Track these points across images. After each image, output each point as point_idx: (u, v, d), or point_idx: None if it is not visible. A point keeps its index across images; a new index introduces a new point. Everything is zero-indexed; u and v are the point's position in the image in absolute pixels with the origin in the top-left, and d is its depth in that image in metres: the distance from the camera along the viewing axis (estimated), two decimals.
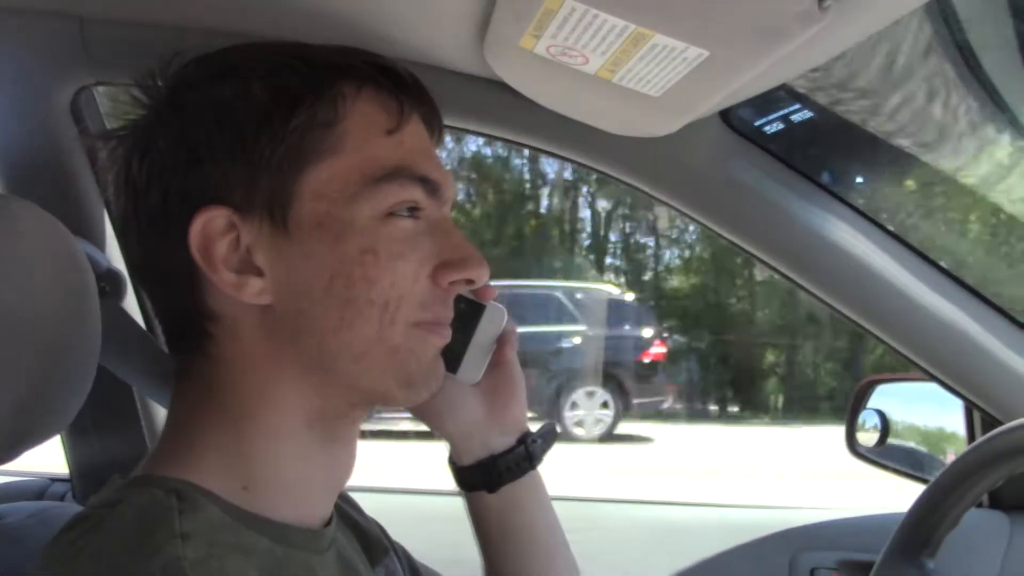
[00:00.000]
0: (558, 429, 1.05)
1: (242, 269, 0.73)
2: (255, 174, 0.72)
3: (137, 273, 0.82)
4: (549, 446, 1.01)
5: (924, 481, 1.23)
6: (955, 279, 1.34)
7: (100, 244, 1.27)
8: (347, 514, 0.95)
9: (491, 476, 0.97)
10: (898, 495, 1.42)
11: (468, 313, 0.91)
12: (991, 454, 1.04)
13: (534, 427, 1.02)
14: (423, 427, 0.98)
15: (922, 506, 1.11)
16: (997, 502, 1.53)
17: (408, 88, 0.80)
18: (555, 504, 1.14)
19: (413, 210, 0.77)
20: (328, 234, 0.73)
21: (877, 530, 1.25)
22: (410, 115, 0.79)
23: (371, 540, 0.96)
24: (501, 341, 0.97)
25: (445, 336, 0.81)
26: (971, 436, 1.53)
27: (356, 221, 0.74)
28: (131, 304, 1.27)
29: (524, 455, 0.98)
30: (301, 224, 0.73)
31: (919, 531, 1.11)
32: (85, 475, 1.47)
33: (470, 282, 0.81)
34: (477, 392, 0.98)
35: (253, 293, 0.73)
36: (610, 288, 11.56)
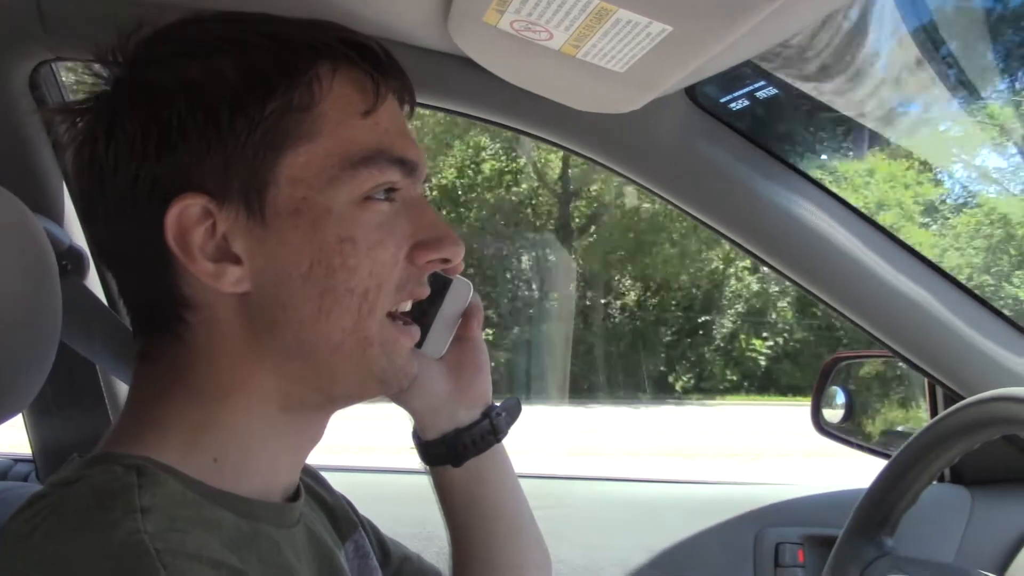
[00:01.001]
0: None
1: (219, 257, 0.72)
2: (230, 160, 0.70)
3: (103, 257, 0.79)
4: (514, 419, 1.02)
5: (888, 456, 1.24)
6: (916, 255, 1.36)
7: (60, 221, 1.26)
8: (314, 491, 0.95)
9: (456, 450, 0.97)
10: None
11: (434, 287, 0.91)
12: (950, 429, 1.05)
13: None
14: None
15: (883, 481, 1.13)
16: (958, 477, 1.55)
17: (383, 66, 0.79)
18: (522, 482, 1.14)
19: (389, 191, 0.76)
20: (305, 221, 0.72)
21: (841, 505, 1.27)
22: (385, 94, 0.78)
23: (339, 516, 0.96)
24: (466, 315, 0.97)
25: (414, 336, 0.81)
26: (933, 412, 1.55)
27: (333, 207, 0.73)
28: (93, 281, 1.26)
29: (489, 428, 0.98)
30: (278, 211, 0.72)
31: (880, 506, 1.12)
32: (49, 455, 1.46)
33: (446, 261, 0.81)
34: (442, 366, 0.98)
35: (231, 282, 0.72)
36: None
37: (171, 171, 0.70)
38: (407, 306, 0.80)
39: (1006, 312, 1.39)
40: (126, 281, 0.78)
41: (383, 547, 1.03)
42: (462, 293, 0.95)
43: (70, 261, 1.13)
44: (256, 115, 0.71)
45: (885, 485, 1.13)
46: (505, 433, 1.00)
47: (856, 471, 1.49)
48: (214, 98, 0.71)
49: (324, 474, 1.03)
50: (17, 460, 1.53)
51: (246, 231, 0.72)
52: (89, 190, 0.75)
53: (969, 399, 1.03)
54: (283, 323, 0.73)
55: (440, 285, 0.93)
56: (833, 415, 1.76)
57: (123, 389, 1.40)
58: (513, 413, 1.02)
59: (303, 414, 0.78)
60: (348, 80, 0.76)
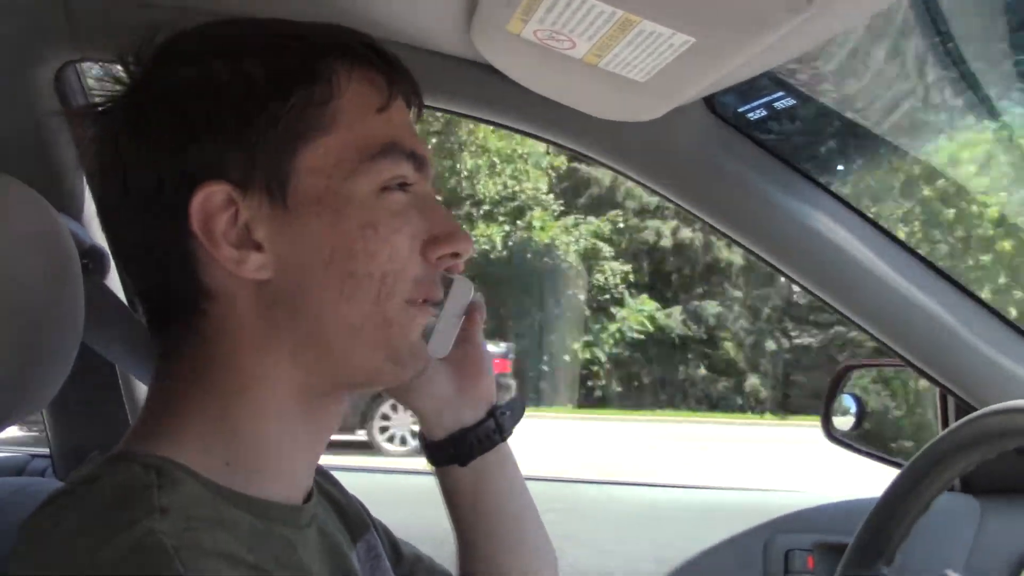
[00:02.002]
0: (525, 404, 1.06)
1: (242, 244, 0.73)
2: (253, 152, 0.72)
3: (123, 254, 0.80)
4: (518, 418, 1.02)
5: (898, 466, 1.24)
6: (931, 267, 1.36)
7: (81, 220, 1.27)
8: (327, 491, 0.96)
9: (462, 449, 0.98)
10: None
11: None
12: (964, 440, 1.06)
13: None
14: None
15: (894, 492, 1.13)
16: (968, 486, 1.55)
17: (394, 67, 0.81)
18: (533, 484, 1.15)
19: (403, 185, 0.78)
20: (328, 209, 0.74)
21: (852, 513, 1.27)
22: (396, 94, 0.80)
23: (351, 517, 0.96)
24: (468, 314, 0.98)
25: (426, 314, 0.83)
26: (944, 422, 1.55)
27: (354, 196, 0.75)
28: (114, 281, 1.27)
29: (494, 427, 0.99)
30: (300, 200, 0.73)
31: (892, 516, 1.12)
32: (66, 451, 1.47)
33: (456, 255, 0.82)
34: (446, 366, 0.98)
35: (253, 268, 0.73)
36: None
37: (196, 163, 0.72)
38: (420, 301, 0.81)
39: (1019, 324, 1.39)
40: (146, 276, 0.78)
41: (396, 548, 1.04)
42: (464, 292, 0.95)
43: (91, 260, 1.13)
44: (279, 109, 0.73)
45: (896, 495, 1.13)
46: (510, 432, 1.01)
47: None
48: (239, 94, 0.73)
49: (338, 474, 1.03)
50: (34, 456, 1.54)
51: (268, 219, 0.73)
52: (111, 186, 0.76)
53: (982, 411, 1.03)
54: (303, 309, 0.74)
55: (443, 284, 0.94)
56: (843, 423, 1.76)
57: (142, 389, 1.41)
58: (517, 412, 1.02)
59: (316, 405, 0.79)
60: (364, 79, 0.78)
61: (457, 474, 0.99)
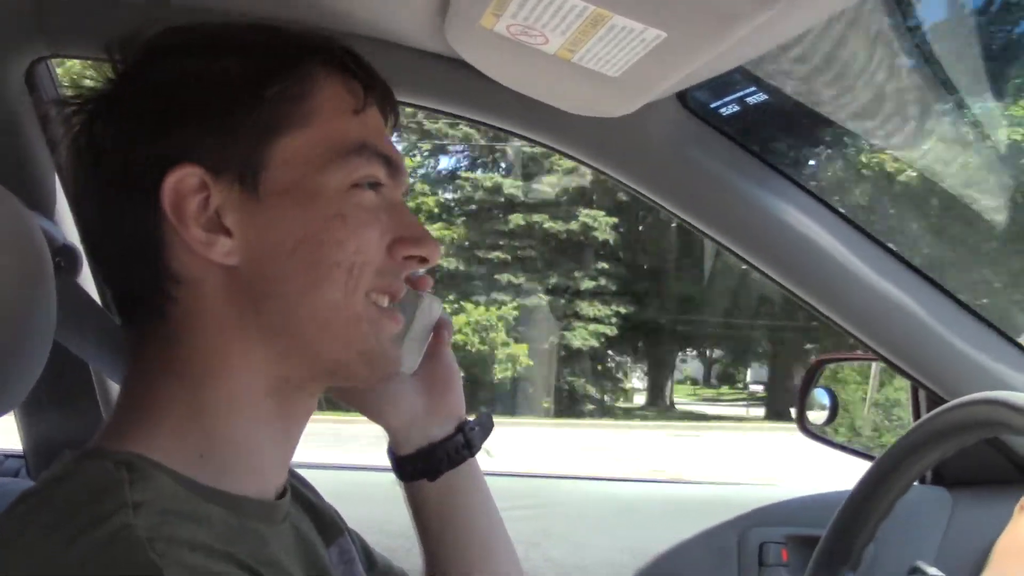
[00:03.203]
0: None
1: (211, 229, 0.74)
2: (227, 140, 0.74)
3: (93, 241, 0.80)
4: (487, 434, 1.03)
5: (871, 458, 1.26)
6: (902, 260, 1.38)
7: (53, 218, 1.26)
8: (301, 494, 0.96)
9: (431, 464, 0.98)
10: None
11: (404, 304, 0.92)
12: (934, 432, 1.07)
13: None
14: None
15: (867, 482, 1.14)
16: (939, 478, 1.57)
17: (370, 75, 0.83)
18: (509, 480, 1.15)
19: (375, 186, 0.79)
20: (298, 200, 0.75)
21: (824, 506, 1.28)
22: (371, 101, 0.82)
23: (325, 520, 0.96)
24: (436, 331, 0.98)
25: (398, 321, 0.83)
26: (916, 414, 1.57)
27: (325, 189, 0.76)
28: (87, 280, 1.26)
29: (463, 443, 0.99)
30: (272, 189, 0.74)
31: (864, 506, 1.14)
32: (39, 451, 1.45)
33: (423, 260, 0.83)
34: (415, 382, 0.99)
35: (222, 252, 0.73)
36: None
37: (170, 147, 0.73)
38: (384, 301, 0.81)
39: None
40: (115, 261, 0.79)
41: (369, 556, 1.04)
42: (432, 309, 0.96)
43: (64, 258, 1.12)
44: (255, 101, 0.74)
45: (868, 487, 1.14)
46: (479, 447, 1.01)
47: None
48: (217, 85, 0.75)
49: (312, 472, 1.04)
50: (8, 456, 1.53)
51: (239, 206, 0.74)
52: (83, 172, 0.77)
53: (952, 402, 1.04)
54: (271, 297, 0.75)
55: (410, 301, 0.94)
56: (817, 417, 1.77)
57: (114, 387, 1.40)
58: (486, 428, 1.03)
59: (286, 397, 0.79)
60: (340, 82, 0.79)
61: (426, 489, 0.99)
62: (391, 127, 0.87)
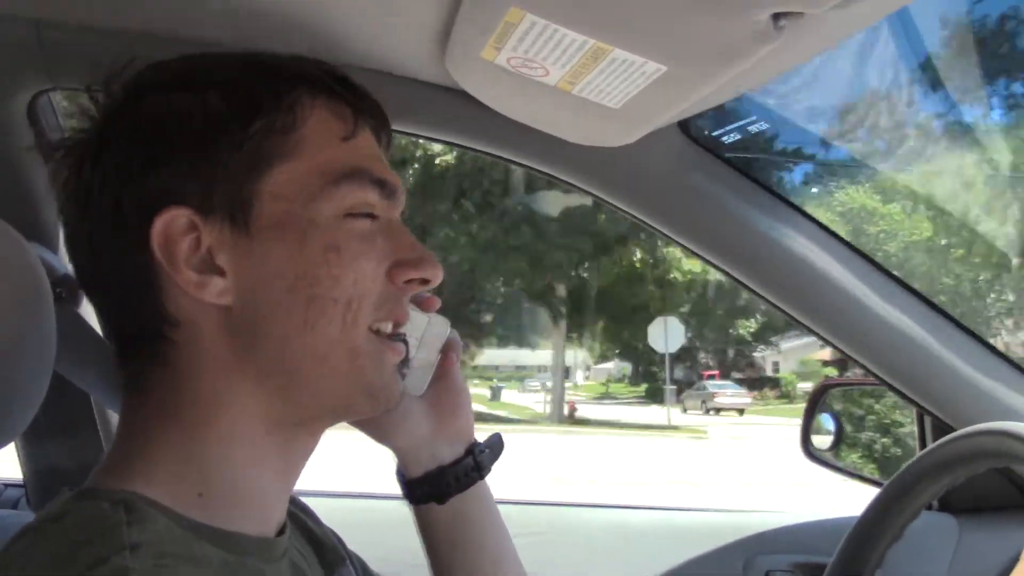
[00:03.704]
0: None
1: (203, 269, 0.73)
2: (214, 178, 0.73)
3: (87, 283, 0.79)
4: (497, 456, 1.02)
5: (877, 484, 1.25)
6: (908, 288, 1.37)
7: (55, 249, 1.26)
8: (301, 522, 0.95)
9: (440, 487, 0.97)
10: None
11: (411, 325, 0.91)
12: (942, 460, 1.06)
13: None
14: None
15: (873, 511, 1.13)
16: (946, 505, 1.56)
17: (360, 98, 0.82)
18: (510, 508, 1.13)
19: (370, 215, 0.78)
20: (291, 233, 0.74)
21: (831, 533, 1.27)
22: (363, 125, 0.81)
23: (326, 549, 0.96)
24: (444, 352, 0.98)
25: (399, 352, 0.82)
26: (922, 442, 1.56)
27: (317, 220, 0.74)
28: (87, 310, 1.26)
29: (472, 465, 0.98)
30: (263, 225, 0.73)
31: (871, 534, 1.13)
32: (40, 481, 1.45)
33: (425, 282, 0.82)
34: (423, 404, 0.98)
35: (215, 293, 0.72)
36: None
37: (157, 189, 0.72)
38: (388, 327, 0.81)
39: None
40: (110, 305, 0.78)
41: None
42: (440, 330, 0.95)
43: (64, 289, 1.13)
44: (240, 135, 0.73)
45: (874, 515, 1.13)
46: (488, 469, 1.00)
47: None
48: (201, 122, 0.73)
49: (314, 500, 1.03)
50: (8, 485, 1.52)
51: (231, 244, 0.73)
52: (74, 215, 0.76)
53: (960, 432, 1.04)
54: (267, 336, 0.74)
55: (417, 323, 0.94)
56: (822, 441, 1.76)
57: (116, 417, 1.39)
58: (496, 450, 1.02)
59: (287, 435, 0.78)
60: (328, 109, 0.78)
61: (435, 512, 0.98)
62: (385, 148, 0.86)
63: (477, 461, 0.99)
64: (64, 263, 1.21)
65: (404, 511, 1.01)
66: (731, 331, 34.01)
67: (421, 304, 0.93)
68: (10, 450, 1.40)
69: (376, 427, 0.96)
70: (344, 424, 0.85)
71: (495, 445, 1.02)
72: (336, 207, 0.75)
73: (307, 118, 0.76)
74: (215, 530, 0.71)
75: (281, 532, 0.81)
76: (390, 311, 0.80)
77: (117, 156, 0.74)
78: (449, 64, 1.03)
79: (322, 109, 0.78)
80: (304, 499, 1.00)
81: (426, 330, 0.93)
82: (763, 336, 34.46)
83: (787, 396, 33.81)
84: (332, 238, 0.75)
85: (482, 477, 0.99)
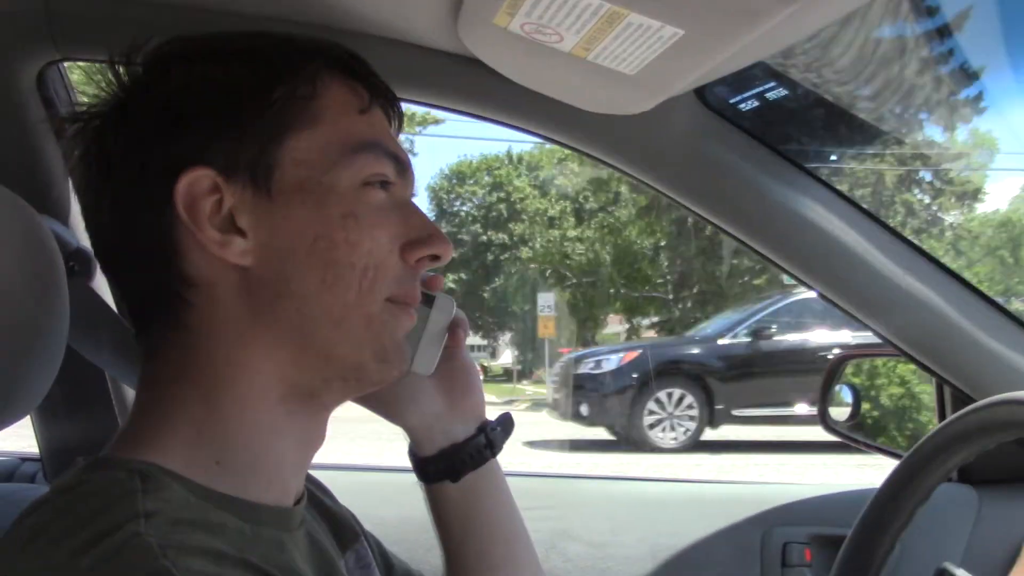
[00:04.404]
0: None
1: (225, 229, 0.74)
2: (237, 142, 0.75)
3: (107, 246, 0.80)
4: (508, 434, 1.02)
5: (896, 456, 1.24)
6: (926, 256, 1.36)
7: (67, 222, 1.26)
8: (317, 499, 0.96)
9: (453, 465, 0.97)
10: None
11: (419, 304, 0.91)
12: (963, 431, 1.05)
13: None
14: None
15: (893, 482, 1.12)
16: (966, 476, 1.55)
17: (373, 77, 0.84)
18: (528, 480, 1.13)
19: (385, 184, 0.80)
20: (310, 198, 0.76)
21: (849, 505, 1.27)
22: (376, 103, 0.83)
23: (341, 525, 0.96)
24: (452, 330, 0.97)
25: (412, 318, 0.83)
26: (942, 412, 1.54)
27: (336, 187, 0.76)
28: (101, 284, 1.26)
29: (485, 443, 0.99)
30: (283, 188, 0.75)
31: (891, 506, 1.12)
32: (56, 456, 1.46)
33: (435, 258, 0.83)
34: (434, 383, 0.98)
35: (236, 253, 0.74)
36: None
37: (182, 151, 0.74)
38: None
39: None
40: (128, 268, 0.79)
41: (386, 560, 1.03)
42: (446, 309, 0.95)
43: (77, 263, 1.12)
44: (263, 102, 0.76)
45: (894, 487, 1.12)
46: (500, 447, 1.00)
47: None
48: (225, 89, 0.76)
49: (329, 473, 1.03)
50: (24, 459, 1.53)
51: (252, 206, 0.75)
52: (94, 183, 0.78)
53: (981, 402, 1.03)
54: (285, 297, 0.75)
55: (425, 302, 0.93)
56: (840, 413, 1.75)
57: (130, 392, 1.40)
58: (507, 428, 1.02)
59: (301, 404, 0.79)
60: (345, 85, 0.81)
61: (448, 491, 0.98)
62: (396, 129, 0.88)
63: (490, 439, 0.99)
64: (77, 237, 1.21)
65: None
66: None
67: (427, 283, 0.93)
68: (27, 425, 1.42)
69: (388, 406, 0.97)
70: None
71: (506, 423, 1.02)
72: (354, 176, 0.77)
73: (326, 89, 0.79)
74: (232, 499, 0.72)
75: (298, 503, 0.81)
76: (406, 292, 0.81)
77: (142, 124, 0.76)
78: (461, 31, 1.02)
79: (339, 83, 0.80)
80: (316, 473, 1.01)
81: (433, 310, 0.93)
82: None
83: None
84: (350, 205, 0.77)
85: (495, 455, 1.00)
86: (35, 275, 0.81)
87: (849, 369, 1.76)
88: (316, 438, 0.83)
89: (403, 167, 0.82)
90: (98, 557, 0.60)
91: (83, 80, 1.25)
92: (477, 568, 0.99)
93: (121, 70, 0.79)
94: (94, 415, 1.41)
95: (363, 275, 0.76)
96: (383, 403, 0.97)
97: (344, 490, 1.03)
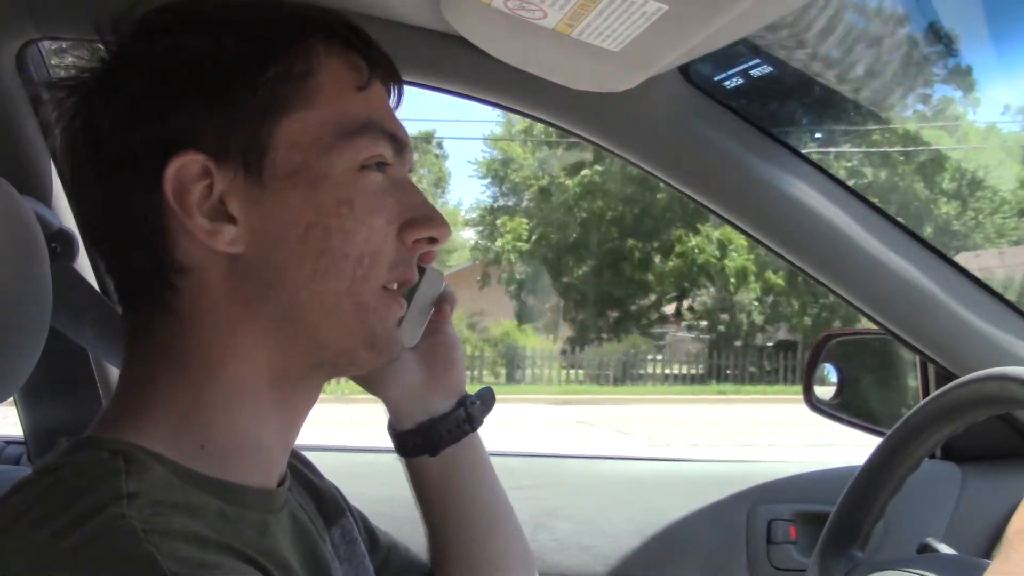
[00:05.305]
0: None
1: (215, 216, 0.72)
2: (229, 123, 0.72)
3: (92, 229, 0.79)
4: (488, 408, 1.02)
5: (880, 434, 1.24)
6: (910, 234, 1.36)
7: (49, 203, 1.25)
8: (302, 475, 0.96)
9: (432, 439, 0.97)
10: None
11: None
12: (944, 407, 1.06)
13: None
14: None
15: (877, 458, 1.13)
16: (949, 453, 1.56)
17: (374, 49, 0.80)
18: (516, 459, 1.14)
19: (381, 166, 0.77)
20: (304, 183, 0.73)
21: (833, 482, 1.27)
22: (375, 77, 0.80)
23: (326, 501, 0.96)
24: (438, 305, 0.97)
25: (403, 305, 0.82)
26: (925, 390, 1.55)
27: (331, 172, 0.74)
28: (84, 265, 1.25)
29: (464, 417, 0.98)
30: (276, 173, 0.73)
31: (874, 482, 1.13)
32: (40, 437, 1.45)
33: (433, 240, 0.81)
34: (416, 356, 0.98)
35: (226, 241, 0.72)
36: None
37: (171, 131, 0.71)
38: (395, 286, 0.81)
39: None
40: (116, 251, 0.77)
41: (371, 535, 1.03)
42: (435, 282, 0.94)
43: (60, 244, 1.12)
44: (255, 79, 0.72)
45: (877, 464, 1.13)
46: (480, 422, 1.00)
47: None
48: (216, 64, 0.72)
49: (315, 454, 1.03)
50: (9, 442, 1.53)
51: (243, 192, 0.72)
52: (81, 158, 0.75)
53: (963, 378, 1.03)
54: (276, 285, 0.74)
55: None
56: (825, 392, 1.76)
57: (114, 373, 1.39)
58: (487, 403, 1.02)
59: (290, 387, 0.78)
60: (342, 58, 0.77)
61: (427, 465, 0.98)
62: (396, 103, 0.85)
63: (469, 413, 0.99)
64: (59, 218, 1.20)
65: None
66: None
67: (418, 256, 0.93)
68: (10, 406, 1.41)
69: (369, 378, 0.96)
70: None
71: (486, 398, 1.02)
72: (350, 161, 0.75)
73: (323, 66, 0.76)
74: (215, 481, 0.71)
75: (281, 483, 0.81)
76: (402, 273, 0.80)
77: (129, 97, 0.73)
78: (444, 8, 1.01)
79: (337, 58, 0.77)
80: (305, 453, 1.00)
81: (422, 282, 0.93)
82: None
83: None
84: (345, 192, 0.74)
85: (474, 429, 0.99)
86: (16, 257, 0.80)
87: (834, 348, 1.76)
88: (301, 418, 0.82)
89: (402, 146, 0.79)
90: (81, 539, 0.59)
91: (61, 63, 1.24)
92: (458, 542, 0.99)
93: (109, 40, 0.76)
94: (78, 396, 1.40)
95: (357, 264, 0.75)
96: (363, 374, 0.95)
97: (329, 470, 1.03)
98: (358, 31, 0.80)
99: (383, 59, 0.81)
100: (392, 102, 0.84)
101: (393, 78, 0.84)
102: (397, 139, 0.78)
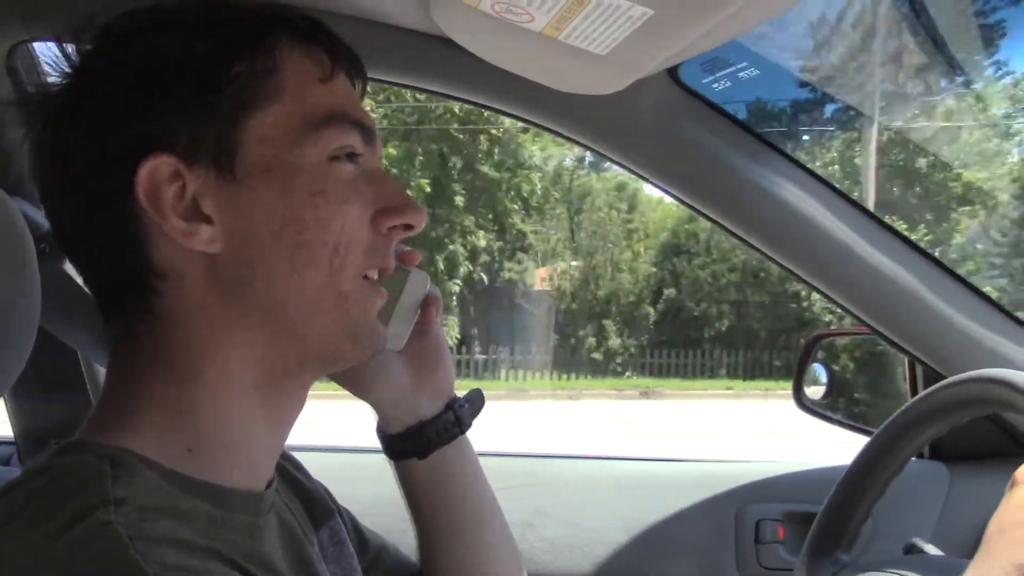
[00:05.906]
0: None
1: (190, 217, 0.72)
2: (198, 123, 0.72)
3: (69, 238, 0.78)
4: (477, 411, 1.02)
5: (868, 433, 1.25)
6: (899, 236, 1.37)
7: (37, 204, 1.24)
8: (291, 475, 0.96)
9: (421, 442, 0.97)
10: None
11: (392, 279, 0.90)
12: (931, 408, 1.06)
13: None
14: None
15: (864, 458, 1.13)
16: (937, 453, 1.57)
17: (335, 42, 0.81)
18: (505, 459, 1.14)
19: (352, 156, 0.78)
20: (277, 178, 0.73)
21: (821, 482, 1.28)
22: (339, 69, 0.80)
23: (315, 503, 0.96)
24: (424, 307, 0.97)
25: (384, 295, 0.82)
26: (913, 390, 1.56)
27: (303, 165, 0.74)
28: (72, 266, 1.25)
29: (453, 420, 0.98)
30: (249, 170, 0.73)
31: (861, 482, 1.13)
32: (30, 437, 1.45)
33: (408, 227, 0.81)
34: (403, 359, 0.97)
35: (203, 241, 0.72)
36: None
37: (140, 135, 0.71)
38: (375, 275, 0.81)
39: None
40: (93, 259, 0.77)
41: (360, 535, 1.03)
42: (420, 284, 0.94)
43: (48, 244, 1.11)
44: (221, 79, 0.73)
45: (865, 463, 1.14)
46: (469, 424, 1.00)
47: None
48: (181, 66, 0.72)
49: (305, 455, 1.03)
50: None
51: (216, 191, 0.73)
52: (55, 168, 0.75)
53: (950, 379, 1.04)
54: (255, 282, 0.74)
55: (398, 276, 0.93)
56: (815, 392, 1.77)
57: (104, 373, 1.39)
58: (476, 405, 1.02)
59: (276, 387, 0.78)
60: (304, 51, 0.78)
61: (416, 468, 0.98)
62: (360, 93, 0.86)
63: (457, 416, 0.99)
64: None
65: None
66: None
67: (402, 258, 0.93)
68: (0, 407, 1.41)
69: (356, 381, 0.96)
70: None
71: (475, 400, 1.02)
72: (320, 152, 0.75)
73: (286, 61, 0.76)
74: (203, 484, 0.71)
75: (269, 486, 0.81)
76: (379, 261, 0.80)
77: (97, 105, 0.73)
78: (433, 10, 1.01)
79: (299, 53, 0.77)
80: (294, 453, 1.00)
81: (407, 284, 0.93)
82: None
83: None
84: (318, 183, 0.74)
85: (462, 432, 0.99)
86: (4, 257, 0.80)
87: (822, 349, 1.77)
88: (290, 419, 0.82)
89: (370, 135, 0.79)
90: (68, 544, 0.60)
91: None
92: (448, 544, 0.99)
93: (72, 50, 0.76)
94: (68, 397, 1.40)
95: (334, 253, 0.75)
96: (350, 378, 0.95)
97: (320, 471, 1.03)
98: (320, 25, 0.80)
99: (346, 51, 0.82)
100: (357, 93, 0.84)
101: (356, 70, 0.84)
102: (364, 127, 0.79)
